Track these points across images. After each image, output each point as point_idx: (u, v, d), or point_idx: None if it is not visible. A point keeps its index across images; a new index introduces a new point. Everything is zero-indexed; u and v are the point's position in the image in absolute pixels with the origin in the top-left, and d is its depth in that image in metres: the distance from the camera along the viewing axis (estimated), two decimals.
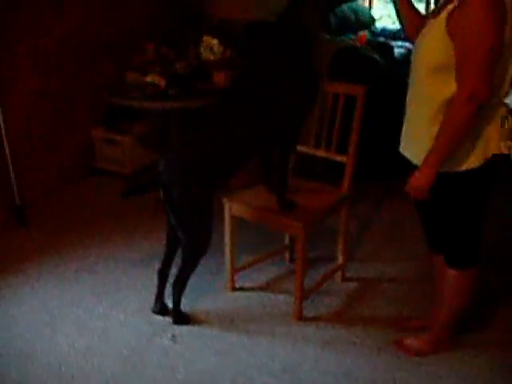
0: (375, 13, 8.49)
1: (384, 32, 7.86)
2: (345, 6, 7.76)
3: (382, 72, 4.33)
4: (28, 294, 3.15)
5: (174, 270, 2.87)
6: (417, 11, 2.49)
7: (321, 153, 3.11)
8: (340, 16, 7.50)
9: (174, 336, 2.81)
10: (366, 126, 3.16)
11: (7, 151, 3.77)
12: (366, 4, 8.75)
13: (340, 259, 3.19)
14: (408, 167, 2.33)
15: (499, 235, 3.69)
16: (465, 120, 2.09)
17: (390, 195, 4.21)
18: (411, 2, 2.49)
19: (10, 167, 3.80)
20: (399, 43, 6.61)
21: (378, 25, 8.18)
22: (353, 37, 7.29)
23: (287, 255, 3.41)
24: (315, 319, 2.94)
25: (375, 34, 7.93)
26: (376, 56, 4.43)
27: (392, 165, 2.50)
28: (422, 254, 2.84)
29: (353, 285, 3.24)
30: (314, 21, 2.66)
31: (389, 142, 2.50)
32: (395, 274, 3.35)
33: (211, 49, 4.29)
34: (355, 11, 7.88)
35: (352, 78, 3.28)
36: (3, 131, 3.73)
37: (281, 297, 3.12)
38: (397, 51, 6.22)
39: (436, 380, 2.54)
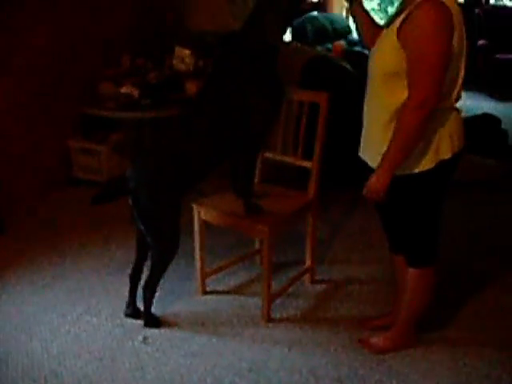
0: (352, 23, 8.63)
1: (360, 42, 7.99)
2: (321, 16, 7.92)
3: (353, 81, 4.43)
4: (4, 300, 3.21)
5: (145, 275, 2.94)
6: (372, 20, 2.59)
7: (288, 159, 3.20)
8: (317, 25, 7.66)
9: (145, 338, 2.87)
10: (336, 133, 3.26)
11: None
12: (343, 14, 8.90)
13: (308, 262, 3.28)
14: (369, 171, 2.42)
15: (459, 234, 3.83)
16: (415, 125, 2.18)
17: (358, 201, 4.30)
18: (367, 12, 2.59)
19: None
20: None
21: (355, 35, 8.33)
22: (330, 46, 7.44)
23: (258, 259, 3.49)
24: (283, 321, 3.02)
25: (352, 43, 8.08)
26: (347, 65, 4.53)
27: (361, 171, 2.59)
28: (388, 257, 2.93)
29: (321, 287, 3.33)
30: (275, 30, 2.72)
31: (357, 148, 2.59)
32: (362, 276, 3.44)
33: (183, 59, 4.39)
34: (332, 21, 8.04)
35: (323, 86, 3.36)
36: None
37: (251, 300, 3.19)
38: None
39: (398, 376, 2.62)
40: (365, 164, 2.51)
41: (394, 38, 2.19)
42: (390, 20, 2.35)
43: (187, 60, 4.39)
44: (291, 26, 2.92)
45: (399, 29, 2.18)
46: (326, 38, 7.64)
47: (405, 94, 2.20)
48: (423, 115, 2.16)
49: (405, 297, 2.65)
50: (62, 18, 4.46)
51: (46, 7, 4.30)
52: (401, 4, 2.35)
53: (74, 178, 4.73)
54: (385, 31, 2.33)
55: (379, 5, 11.02)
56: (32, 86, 4.31)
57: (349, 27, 8.42)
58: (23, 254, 3.69)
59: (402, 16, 2.19)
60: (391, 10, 11.04)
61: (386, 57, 2.26)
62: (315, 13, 7.99)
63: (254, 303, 3.14)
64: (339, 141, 3.69)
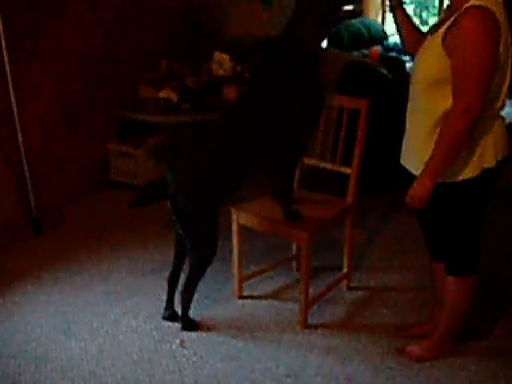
0: (388, 28, 8.58)
1: (396, 47, 7.94)
2: (357, 22, 7.89)
3: (390, 86, 4.41)
4: (43, 300, 3.26)
5: (183, 278, 2.96)
6: (415, 26, 2.58)
7: (326, 165, 3.19)
8: (353, 31, 7.61)
9: (182, 342, 2.89)
10: (374, 138, 3.25)
11: (24, 163, 3.90)
12: (379, 19, 8.85)
13: (345, 269, 3.27)
14: (411, 178, 2.40)
15: (500, 244, 3.76)
16: (459, 133, 2.16)
17: (395, 207, 4.28)
18: (409, 18, 2.58)
19: (28, 179, 3.93)
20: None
21: (391, 40, 8.27)
22: (365, 52, 7.40)
23: (294, 264, 3.49)
24: (320, 327, 3.01)
25: (387, 48, 8.01)
26: (384, 70, 4.50)
27: (398, 177, 2.57)
28: (426, 263, 2.91)
29: (358, 293, 3.31)
30: (314, 36, 2.73)
31: (396, 155, 2.58)
32: (399, 283, 3.41)
33: (222, 64, 4.41)
34: (368, 26, 7.99)
35: (360, 91, 3.35)
36: (21, 144, 3.87)
37: (287, 305, 3.19)
38: (408, 66, 6.31)
39: None
40: (405, 171, 2.50)
41: (439, 45, 2.18)
42: (435, 27, 2.34)
43: (226, 65, 4.41)
44: (330, 32, 2.89)
45: (444, 36, 2.17)
46: (361, 44, 7.58)
47: (449, 102, 2.19)
48: (468, 123, 2.14)
49: (444, 305, 2.63)
50: (102, 23, 4.52)
51: (86, 12, 4.37)
52: (446, 11, 2.34)
53: (112, 181, 4.79)
54: (429, 38, 2.32)
55: (414, 10, 10.94)
56: (73, 89, 4.38)
57: (384, 32, 8.35)
58: (62, 255, 3.74)
59: (448, 23, 2.18)
60: (426, 15, 10.96)
61: (430, 64, 2.25)
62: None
63: (290, 308, 3.14)
64: (375, 147, 3.67)
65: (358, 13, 2.88)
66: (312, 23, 2.67)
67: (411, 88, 2.42)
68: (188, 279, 2.87)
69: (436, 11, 9.40)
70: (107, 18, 4.56)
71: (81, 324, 3.04)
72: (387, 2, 2.65)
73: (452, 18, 2.16)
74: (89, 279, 3.47)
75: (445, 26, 2.19)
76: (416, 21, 10.79)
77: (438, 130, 2.24)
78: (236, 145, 2.74)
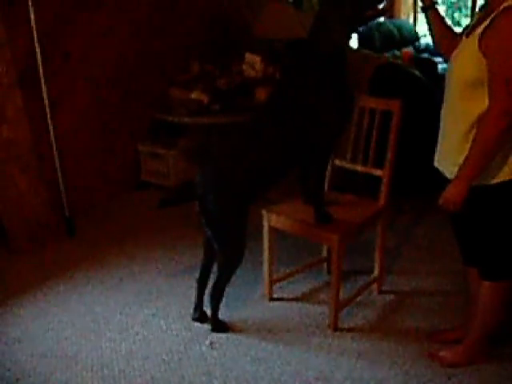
0: (419, 29, 8.51)
1: (428, 48, 7.89)
2: (388, 23, 7.84)
3: (423, 88, 4.36)
4: (75, 300, 3.29)
5: (212, 279, 2.96)
6: (448, 27, 2.54)
7: (358, 167, 3.16)
8: (384, 32, 7.57)
9: (212, 343, 2.89)
10: (406, 140, 3.21)
11: (57, 164, 3.96)
12: (411, 21, 8.78)
13: (376, 272, 3.24)
14: (444, 181, 2.37)
15: None
16: (495, 135, 2.12)
17: (428, 209, 4.24)
18: (442, 19, 2.54)
19: (60, 180, 3.99)
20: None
21: (423, 41, 8.20)
22: (397, 53, 7.35)
23: (325, 267, 3.47)
24: (351, 330, 2.98)
25: (419, 50, 7.96)
26: (416, 72, 4.46)
27: (431, 179, 2.54)
28: (458, 267, 2.86)
29: (389, 297, 3.28)
30: (340, 34, 2.69)
31: (429, 157, 2.55)
32: (431, 287, 3.37)
33: (253, 66, 4.40)
34: (399, 28, 7.94)
35: (393, 93, 3.32)
36: (54, 145, 3.92)
37: (317, 308, 3.17)
38: (441, 67, 6.25)
39: None
40: (438, 173, 2.46)
41: (475, 46, 2.15)
42: (470, 28, 2.30)
43: (257, 66, 4.41)
44: (356, 31, 2.86)
45: (481, 37, 2.13)
46: (393, 45, 7.54)
47: (485, 104, 2.15)
48: (504, 125, 2.10)
49: (478, 311, 2.58)
50: (134, 25, 4.56)
51: (118, 13, 4.41)
52: (481, 12, 2.30)
53: (143, 182, 4.82)
54: (464, 39, 2.29)
55: (446, 11, 10.84)
56: (105, 90, 4.42)
57: (416, 33, 8.29)
58: (93, 255, 3.78)
59: (485, 24, 2.14)
60: (458, 16, 10.84)
61: (466, 65, 2.21)
62: (382, 19, 7.92)
63: (321, 311, 3.12)
64: (408, 148, 3.63)
65: (387, 12, 2.83)
66: (336, 22, 2.64)
67: (446, 90, 2.39)
68: (216, 281, 2.87)
69: (468, 12, 9.30)
70: (139, 19, 4.59)
71: (111, 324, 3.06)
72: (420, 3, 2.62)
73: (489, 19, 2.13)
74: (119, 280, 3.49)
75: (482, 27, 2.15)
76: (448, 22, 10.71)
77: (473, 133, 2.21)
78: (265, 146, 2.72)
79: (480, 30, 2.16)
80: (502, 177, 2.26)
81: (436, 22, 2.55)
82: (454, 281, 3.35)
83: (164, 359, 2.79)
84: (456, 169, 2.26)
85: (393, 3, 8.49)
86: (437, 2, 2.57)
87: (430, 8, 2.55)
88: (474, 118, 2.22)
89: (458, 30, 2.57)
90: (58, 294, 3.35)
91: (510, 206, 2.35)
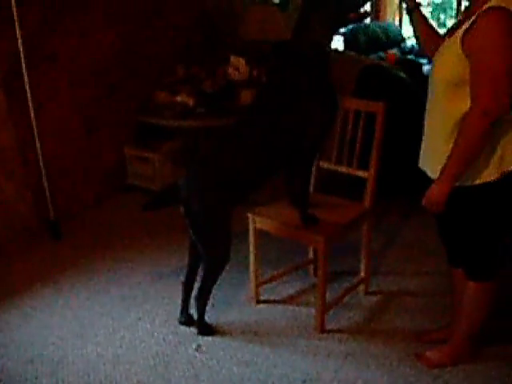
0: (405, 31, 8.56)
1: (413, 50, 7.92)
2: (374, 25, 7.87)
3: (408, 89, 4.38)
4: (61, 304, 3.27)
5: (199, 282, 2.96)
6: (432, 28, 2.55)
7: (343, 169, 3.17)
8: (370, 35, 7.61)
9: (198, 346, 2.89)
10: (391, 141, 3.22)
11: (42, 167, 3.93)
12: (396, 23, 8.83)
13: (362, 273, 3.24)
14: (428, 182, 2.38)
15: None
16: (477, 136, 2.13)
17: (413, 210, 4.25)
18: (426, 20, 2.56)
19: (45, 183, 3.96)
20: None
21: (408, 43, 8.24)
22: (382, 55, 7.38)
23: (311, 269, 3.47)
24: (337, 332, 2.99)
25: (405, 51, 8.00)
26: (401, 74, 4.47)
27: (416, 180, 2.55)
28: (444, 268, 2.88)
29: (375, 298, 3.28)
30: (321, 36, 2.69)
31: (414, 158, 2.56)
32: (417, 287, 3.38)
33: (238, 68, 4.41)
34: (385, 30, 7.98)
35: (378, 95, 3.33)
36: (38, 148, 3.89)
37: (304, 310, 3.18)
38: (426, 68, 6.27)
39: None
40: (423, 174, 2.47)
41: (458, 46, 2.16)
42: (453, 29, 2.31)
43: (242, 69, 4.41)
44: (338, 33, 2.86)
45: (463, 37, 2.14)
46: (378, 47, 7.57)
47: (468, 104, 2.16)
48: (486, 125, 2.11)
49: (463, 311, 2.59)
50: (119, 28, 4.54)
51: (103, 17, 4.39)
52: (464, 13, 2.32)
53: (129, 185, 4.80)
54: (447, 40, 2.30)
55: (431, 13, 10.89)
56: (90, 93, 4.40)
57: (401, 35, 8.34)
58: (79, 259, 3.76)
59: (467, 24, 2.15)
60: (444, 18, 10.91)
61: (449, 66, 2.22)
62: (368, 21, 7.95)
63: (307, 313, 3.13)
64: (393, 150, 3.64)
65: (366, 15, 2.83)
66: (318, 24, 2.64)
67: (429, 90, 2.40)
68: (202, 284, 2.87)
69: (454, 13, 9.36)
70: (124, 22, 4.57)
71: (97, 328, 3.05)
72: (404, 5, 2.63)
73: (471, 20, 2.14)
74: (105, 283, 3.48)
75: (463, 27, 2.16)
76: (434, 23, 10.77)
77: (456, 133, 2.21)
78: (250, 148, 2.72)
79: (462, 30, 2.16)
80: (484, 178, 2.27)
81: (420, 24, 2.57)
82: (439, 281, 3.36)
83: (150, 363, 2.78)
84: (439, 169, 2.26)
85: (378, 5, 8.54)
86: (421, 4, 2.58)
87: (414, 10, 2.56)
88: (456, 119, 2.22)
89: (443, 31, 2.58)
90: (43, 298, 3.33)
91: (493, 206, 2.37)
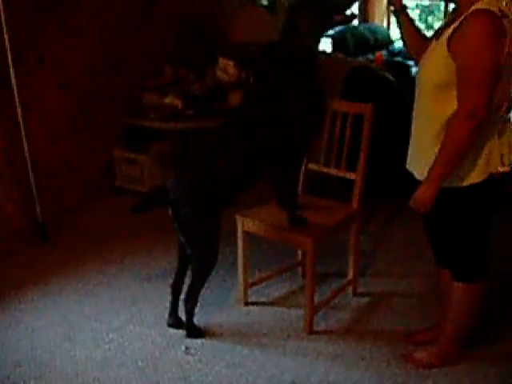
0: (393, 33, 8.59)
1: (402, 52, 7.95)
2: (362, 27, 7.90)
3: (396, 90, 4.40)
4: (49, 307, 3.26)
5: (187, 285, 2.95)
6: (418, 31, 2.57)
7: (331, 170, 3.18)
8: (358, 36, 7.64)
9: (187, 348, 2.88)
10: (379, 143, 3.24)
11: (29, 168, 3.91)
12: (385, 24, 8.86)
13: (351, 274, 3.25)
14: (416, 183, 2.38)
15: (509, 249, 3.74)
16: (464, 137, 2.14)
17: (401, 212, 4.27)
18: (413, 23, 2.57)
19: (33, 186, 3.94)
20: None
21: (396, 45, 8.28)
22: (371, 57, 7.41)
23: (300, 270, 3.48)
24: (326, 333, 3.00)
25: (393, 53, 8.03)
26: (389, 75, 4.50)
27: (404, 182, 2.56)
28: (431, 269, 2.89)
29: (364, 300, 3.29)
30: (309, 40, 2.70)
31: (402, 160, 2.57)
32: (405, 289, 3.40)
33: (226, 70, 4.41)
34: (373, 32, 8.01)
35: (365, 96, 3.35)
36: (26, 149, 3.88)
37: (293, 311, 3.18)
38: (414, 70, 6.30)
39: None
40: (411, 176, 2.48)
41: (444, 49, 2.17)
42: (439, 31, 2.33)
43: (230, 71, 4.42)
44: (325, 34, 2.86)
45: (449, 40, 2.16)
46: (367, 49, 7.60)
47: (454, 106, 2.18)
48: (472, 126, 2.12)
49: (451, 312, 2.61)
50: (107, 30, 4.54)
51: (91, 19, 4.39)
52: (451, 15, 2.33)
53: (118, 188, 4.79)
54: (434, 42, 2.31)
55: (420, 15, 10.94)
56: (78, 95, 4.39)
57: (390, 37, 8.38)
58: (67, 262, 3.74)
59: (452, 27, 2.17)
60: (432, 20, 10.95)
61: (435, 68, 2.24)
62: (356, 23, 7.98)
63: (296, 315, 3.13)
64: (381, 151, 3.66)
65: (353, 18, 2.85)
66: (305, 26, 2.65)
67: (416, 92, 2.41)
68: (190, 286, 2.86)
69: (442, 15, 9.40)
70: (112, 24, 4.57)
71: (86, 331, 3.04)
72: (391, 8, 2.64)
73: (457, 22, 2.15)
74: (94, 286, 3.46)
75: (450, 30, 2.18)
76: (422, 25, 10.81)
77: (443, 135, 2.23)
78: (238, 151, 2.72)
79: (449, 32, 2.18)
80: (471, 179, 2.29)
81: (407, 26, 2.58)
82: (427, 282, 3.37)
83: (139, 366, 2.77)
84: (426, 171, 2.27)
85: (366, 7, 8.57)
86: (407, 6, 2.60)
87: (401, 12, 2.58)
88: (443, 120, 2.24)
89: (430, 33, 2.60)
90: (31, 301, 3.31)
91: (481, 207, 2.39)
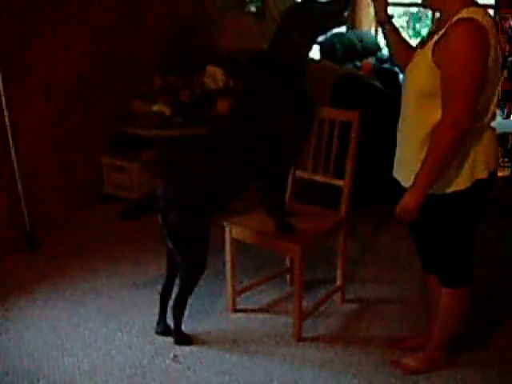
0: (381, 40, 8.62)
1: (390, 59, 7.97)
2: (350, 34, 7.93)
3: (383, 98, 4.42)
4: (37, 315, 3.24)
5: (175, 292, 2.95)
6: (404, 40, 2.59)
7: (319, 177, 3.19)
8: (346, 43, 7.65)
9: (175, 356, 2.88)
10: (367, 150, 3.25)
11: (17, 177, 3.90)
12: (373, 32, 8.89)
13: (339, 281, 3.26)
14: (402, 191, 2.40)
15: (495, 255, 3.78)
16: (449, 144, 2.16)
17: (388, 219, 4.27)
18: (398, 31, 2.59)
19: (21, 193, 3.93)
20: None
21: (385, 52, 8.30)
22: (359, 64, 7.43)
23: (288, 277, 3.48)
24: (314, 340, 3.00)
25: (381, 60, 8.06)
26: (377, 83, 4.52)
27: (391, 189, 2.58)
28: (419, 275, 2.91)
29: (352, 306, 3.30)
30: (301, 49, 2.73)
31: (390, 167, 2.59)
32: (393, 295, 3.41)
33: (215, 78, 4.42)
34: (361, 39, 8.03)
35: (353, 104, 3.36)
36: (13, 157, 3.86)
37: (281, 318, 3.18)
38: (402, 77, 6.32)
39: None
40: (398, 183, 2.50)
41: (429, 57, 2.20)
42: (425, 40, 2.35)
43: (219, 78, 4.43)
44: (316, 42, 2.88)
45: (434, 48, 2.18)
46: (355, 56, 7.63)
47: (439, 114, 2.20)
48: (457, 134, 2.14)
49: (438, 317, 2.62)
50: (96, 37, 4.54)
51: (79, 26, 4.39)
52: (436, 23, 2.35)
53: (106, 195, 4.78)
54: (419, 51, 2.34)
55: (407, 22, 11.01)
56: (66, 103, 4.39)
57: (378, 44, 8.40)
58: (55, 270, 3.73)
59: (437, 36, 2.19)
60: (419, 27, 11.02)
61: (421, 76, 2.26)
62: (344, 30, 8.01)
63: (284, 322, 3.13)
64: (368, 159, 3.68)
65: (344, 22, 2.88)
66: (298, 35, 2.67)
67: (402, 101, 2.43)
68: (178, 294, 2.86)
69: (429, 22, 9.46)
70: (101, 32, 4.57)
71: (74, 339, 3.03)
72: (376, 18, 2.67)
73: (442, 31, 2.17)
74: (82, 294, 3.45)
75: (435, 39, 2.20)
76: (409, 32, 10.88)
77: (428, 143, 2.24)
78: (226, 158, 2.73)
79: (433, 41, 2.21)
80: (457, 186, 2.31)
81: (392, 35, 2.60)
82: (415, 289, 3.39)
83: (128, 374, 2.76)
84: (412, 178, 2.29)
85: (355, 15, 8.60)
86: (393, 16, 2.62)
87: (386, 22, 2.60)
88: (429, 128, 2.26)
89: (418, 40, 2.62)
90: (19, 309, 3.29)
91: (467, 213, 2.40)
